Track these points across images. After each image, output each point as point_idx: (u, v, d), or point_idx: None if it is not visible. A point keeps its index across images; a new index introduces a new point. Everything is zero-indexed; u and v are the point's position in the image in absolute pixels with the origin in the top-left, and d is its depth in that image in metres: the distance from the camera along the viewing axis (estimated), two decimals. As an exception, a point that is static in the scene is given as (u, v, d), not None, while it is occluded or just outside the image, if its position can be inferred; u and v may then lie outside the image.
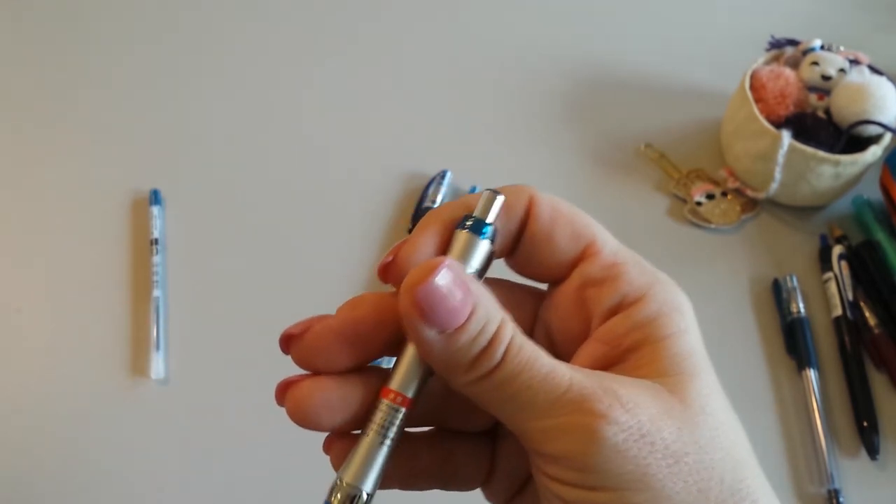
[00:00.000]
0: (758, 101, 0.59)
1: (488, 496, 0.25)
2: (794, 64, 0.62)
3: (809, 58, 0.61)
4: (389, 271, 0.23)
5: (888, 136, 0.58)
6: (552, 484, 0.21)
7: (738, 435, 0.22)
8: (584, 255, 0.23)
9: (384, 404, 0.22)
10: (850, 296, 0.56)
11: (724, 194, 0.63)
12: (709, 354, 0.24)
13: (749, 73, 0.61)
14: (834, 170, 0.57)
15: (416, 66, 0.71)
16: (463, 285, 0.20)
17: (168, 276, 0.58)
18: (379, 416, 0.22)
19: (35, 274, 0.58)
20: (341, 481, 0.22)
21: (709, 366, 0.23)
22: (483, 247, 0.23)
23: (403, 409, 0.22)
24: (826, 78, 0.60)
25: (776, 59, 0.63)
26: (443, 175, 0.62)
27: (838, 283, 0.57)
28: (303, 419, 0.22)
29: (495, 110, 0.68)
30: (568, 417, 0.20)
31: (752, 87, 0.60)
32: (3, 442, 0.52)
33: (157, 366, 0.53)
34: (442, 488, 0.25)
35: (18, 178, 0.63)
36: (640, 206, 0.62)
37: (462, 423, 0.25)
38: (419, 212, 0.60)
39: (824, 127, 0.58)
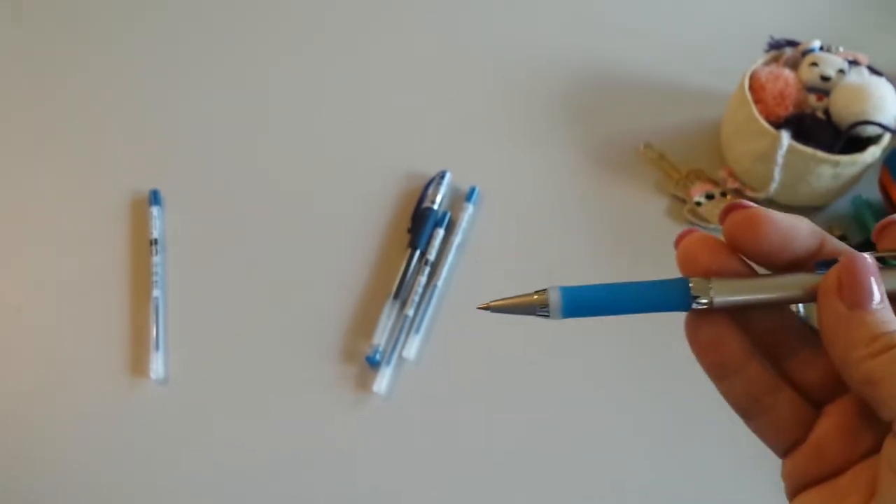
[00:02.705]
0: (757, 101, 0.59)
1: (788, 471, 0.25)
2: (794, 65, 0.62)
3: (809, 58, 0.61)
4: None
5: (887, 137, 0.58)
6: None
7: None
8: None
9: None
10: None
11: (724, 195, 0.63)
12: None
13: (748, 73, 0.61)
14: (833, 170, 0.57)
15: (417, 67, 0.71)
16: (880, 282, 0.23)
17: (168, 277, 0.58)
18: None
19: (35, 274, 0.58)
20: (709, 282, 0.24)
21: None
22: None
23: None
24: (825, 79, 0.60)
25: (775, 59, 0.63)
26: (442, 175, 0.62)
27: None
28: (684, 260, 0.24)
29: (495, 110, 0.68)
30: None
31: (751, 87, 0.60)
32: (3, 442, 0.52)
33: (157, 366, 0.54)
34: (747, 419, 0.25)
35: (18, 179, 0.63)
36: (639, 206, 0.62)
37: (795, 371, 0.25)
38: (419, 212, 0.60)
39: (823, 127, 0.58)
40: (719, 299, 0.23)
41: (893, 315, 0.22)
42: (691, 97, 0.69)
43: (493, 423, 0.53)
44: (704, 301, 0.23)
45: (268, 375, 0.54)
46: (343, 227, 0.61)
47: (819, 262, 0.24)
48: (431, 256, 0.58)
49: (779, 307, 0.25)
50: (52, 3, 0.74)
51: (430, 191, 0.61)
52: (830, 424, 0.24)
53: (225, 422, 0.53)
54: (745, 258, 0.24)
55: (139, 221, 0.60)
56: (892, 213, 0.61)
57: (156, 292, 0.56)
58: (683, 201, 0.63)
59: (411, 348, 0.55)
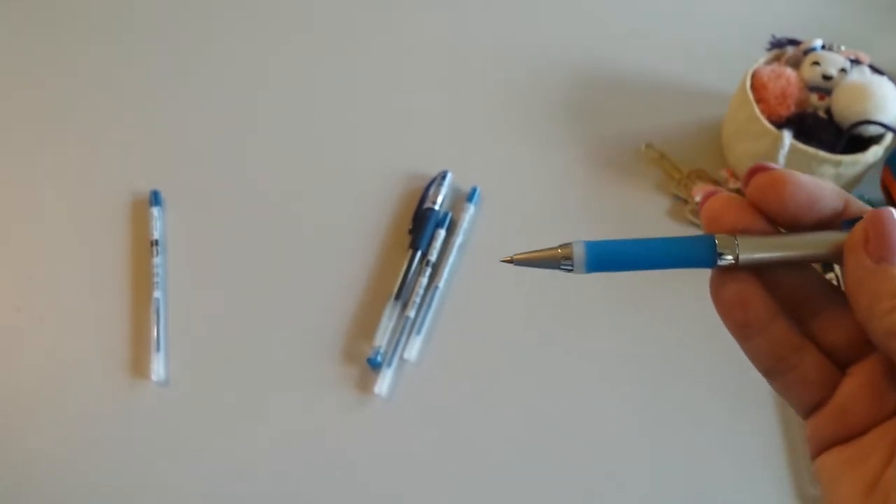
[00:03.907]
0: (759, 101, 0.59)
1: (811, 431, 0.25)
2: (795, 64, 0.62)
3: (810, 57, 0.61)
4: None
5: (889, 136, 0.58)
6: None
7: None
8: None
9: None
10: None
11: (725, 194, 0.63)
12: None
13: (750, 72, 0.61)
14: (835, 170, 0.57)
15: (417, 67, 0.71)
16: None
17: (168, 278, 0.58)
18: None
19: (35, 274, 0.58)
20: (735, 238, 0.24)
21: None
22: None
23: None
24: (827, 78, 0.59)
25: (777, 58, 0.63)
26: (443, 176, 0.62)
27: (839, 283, 0.56)
28: (709, 220, 0.25)
29: (496, 111, 0.68)
30: None
31: (753, 87, 0.60)
32: (3, 442, 0.51)
33: (158, 367, 0.53)
34: (771, 378, 0.25)
35: (18, 179, 0.63)
36: (640, 206, 0.62)
37: (820, 332, 0.25)
38: (420, 212, 0.60)
39: (825, 127, 0.58)
40: (745, 256, 0.23)
41: None
42: (692, 97, 0.69)
43: (494, 425, 0.53)
44: (730, 257, 0.23)
45: (268, 377, 0.54)
46: (344, 227, 0.61)
47: (845, 220, 0.24)
48: (433, 257, 0.58)
49: (804, 266, 0.25)
50: (52, 3, 0.74)
51: (432, 191, 0.61)
52: (855, 384, 0.24)
53: (225, 423, 0.53)
54: (770, 220, 0.24)
55: (140, 222, 0.60)
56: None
57: (156, 293, 0.56)
58: (685, 201, 0.62)
59: (412, 350, 0.55)
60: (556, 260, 0.24)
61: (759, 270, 0.24)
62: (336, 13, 0.74)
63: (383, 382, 0.53)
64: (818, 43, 0.62)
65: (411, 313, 0.56)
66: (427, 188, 0.61)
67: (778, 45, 0.63)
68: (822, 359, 0.25)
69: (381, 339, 0.55)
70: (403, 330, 0.55)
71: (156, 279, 0.57)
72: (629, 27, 0.74)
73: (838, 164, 0.57)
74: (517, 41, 0.73)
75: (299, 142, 0.65)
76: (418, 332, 0.55)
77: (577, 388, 0.55)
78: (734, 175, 0.63)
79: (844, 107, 0.58)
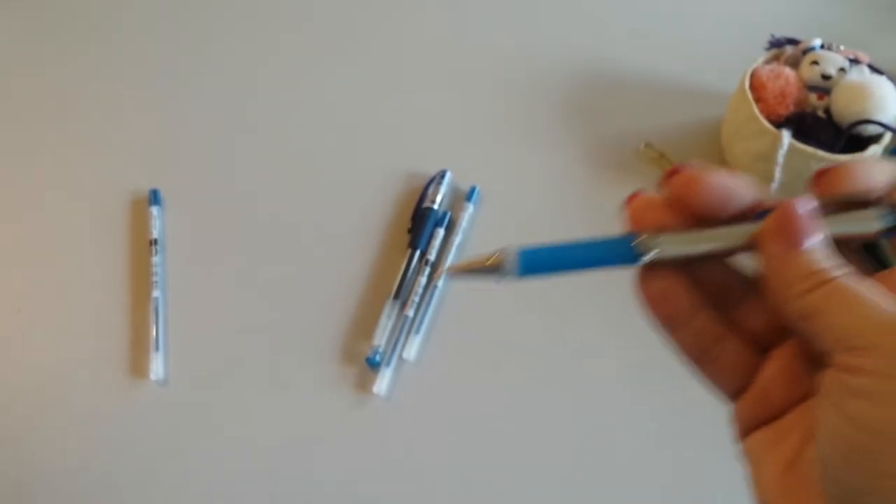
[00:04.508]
0: (758, 100, 0.59)
1: (736, 415, 0.26)
2: (794, 63, 0.62)
3: (809, 57, 0.61)
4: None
5: (888, 136, 0.58)
6: (851, 378, 0.21)
7: None
8: None
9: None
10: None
11: (724, 194, 0.63)
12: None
13: (749, 72, 0.61)
14: (834, 169, 0.57)
15: (417, 66, 0.71)
16: (818, 224, 0.23)
17: (167, 277, 0.58)
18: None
19: (35, 274, 0.58)
20: (654, 236, 0.25)
21: None
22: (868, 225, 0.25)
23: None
24: (826, 77, 0.59)
25: (776, 58, 0.63)
26: (442, 175, 0.62)
27: None
28: (632, 220, 0.26)
29: (495, 110, 0.68)
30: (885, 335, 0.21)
31: (752, 86, 0.60)
32: (3, 442, 0.52)
33: (157, 367, 0.53)
34: (697, 367, 0.26)
35: (18, 178, 0.63)
36: (639, 205, 0.62)
37: (741, 319, 0.26)
38: (419, 212, 0.60)
39: (824, 126, 0.58)
40: (666, 252, 0.25)
41: (830, 253, 0.23)
42: (692, 96, 0.69)
43: (493, 424, 0.53)
44: (652, 254, 0.25)
45: (267, 376, 0.54)
46: (343, 227, 0.61)
47: (759, 212, 0.24)
48: (432, 256, 0.58)
49: (723, 259, 0.26)
50: (52, 3, 0.74)
51: (431, 190, 0.61)
52: (775, 368, 0.25)
53: (225, 423, 0.53)
54: (690, 217, 0.25)
55: (139, 221, 0.60)
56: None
57: (156, 293, 0.56)
58: (684, 201, 0.62)
59: (411, 349, 0.55)
60: (488, 267, 0.25)
61: (681, 266, 0.25)
62: (336, 13, 0.74)
63: (382, 382, 0.53)
64: (817, 42, 0.62)
65: (410, 312, 0.56)
66: (426, 187, 0.61)
67: (777, 44, 0.63)
68: (744, 346, 0.26)
69: (380, 338, 0.55)
70: (402, 329, 0.55)
71: (155, 278, 0.57)
72: (629, 27, 0.74)
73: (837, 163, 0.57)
74: (517, 41, 0.73)
75: (298, 141, 0.66)
76: (417, 332, 0.55)
77: (576, 387, 0.55)
78: (733, 175, 0.63)
79: (843, 106, 0.58)
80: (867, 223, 0.25)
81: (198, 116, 0.67)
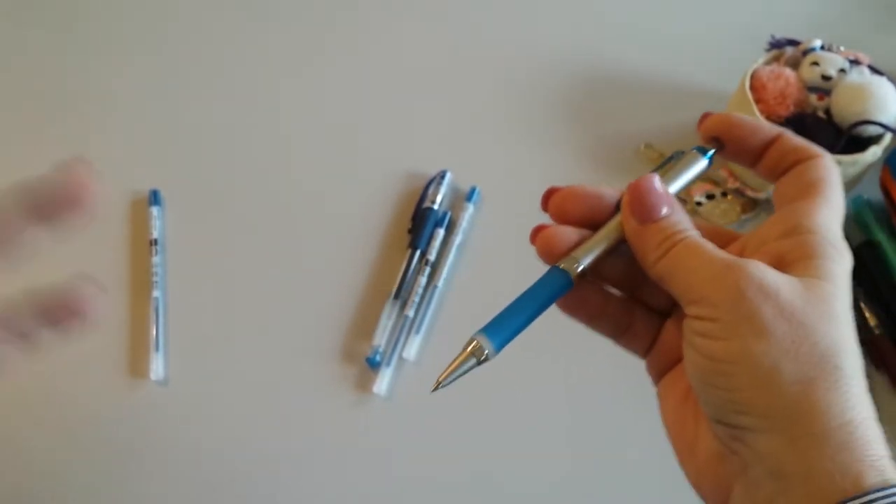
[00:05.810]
0: (758, 101, 0.59)
1: (648, 368, 0.32)
2: (795, 64, 0.62)
3: (810, 58, 0.61)
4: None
5: (888, 137, 0.58)
6: (695, 323, 0.26)
7: (847, 329, 0.27)
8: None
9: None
10: (850, 297, 0.56)
11: (724, 194, 0.63)
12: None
13: (749, 73, 0.61)
14: (834, 170, 0.57)
15: (417, 67, 0.71)
16: (663, 196, 0.28)
17: (168, 277, 0.58)
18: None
19: (34, 274, 0.58)
20: (571, 257, 0.29)
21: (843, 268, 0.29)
22: (700, 164, 0.31)
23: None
24: (826, 78, 0.59)
25: (776, 59, 0.63)
26: (442, 175, 0.62)
27: None
28: (545, 253, 0.30)
29: (495, 110, 0.68)
30: (719, 275, 0.26)
31: (752, 87, 0.60)
32: (3, 442, 0.52)
33: (157, 367, 0.53)
34: (615, 339, 0.32)
35: (18, 178, 0.63)
36: (640, 206, 0.62)
37: (646, 296, 0.32)
38: (419, 212, 0.60)
39: (824, 127, 0.58)
40: (584, 262, 0.28)
41: (679, 219, 0.28)
42: (692, 97, 0.69)
43: (493, 424, 0.53)
44: (581, 267, 0.28)
45: (267, 376, 0.54)
46: (343, 227, 0.61)
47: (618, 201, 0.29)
48: (432, 257, 0.58)
49: (623, 250, 0.30)
50: (52, 3, 0.74)
51: (431, 191, 0.61)
52: (671, 326, 0.31)
53: (225, 423, 0.53)
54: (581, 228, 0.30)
55: (139, 221, 0.60)
56: (893, 214, 0.61)
57: (156, 293, 0.56)
58: (684, 201, 0.62)
59: (411, 349, 0.55)
60: (468, 358, 0.28)
61: (593, 270, 0.29)
62: (336, 13, 0.74)
63: (382, 382, 0.53)
64: (817, 43, 0.62)
65: (410, 312, 0.56)
66: (426, 187, 0.61)
67: (777, 45, 0.63)
68: (648, 315, 0.31)
69: (380, 338, 0.55)
70: (402, 329, 0.55)
71: (155, 278, 0.57)
72: (629, 27, 0.74)
73: (837, 164, 0.56)
74: (517, 41, 0.73)
75: (299, 141, 0.65)
76: (417, 332, 0.55)
77: (577, 388, 0.55)
78: (733, 175, 0.63)
79: (843, 107, 0.58)
80: (698, 163, 0.30)
81: (198, 117, 0.67)
